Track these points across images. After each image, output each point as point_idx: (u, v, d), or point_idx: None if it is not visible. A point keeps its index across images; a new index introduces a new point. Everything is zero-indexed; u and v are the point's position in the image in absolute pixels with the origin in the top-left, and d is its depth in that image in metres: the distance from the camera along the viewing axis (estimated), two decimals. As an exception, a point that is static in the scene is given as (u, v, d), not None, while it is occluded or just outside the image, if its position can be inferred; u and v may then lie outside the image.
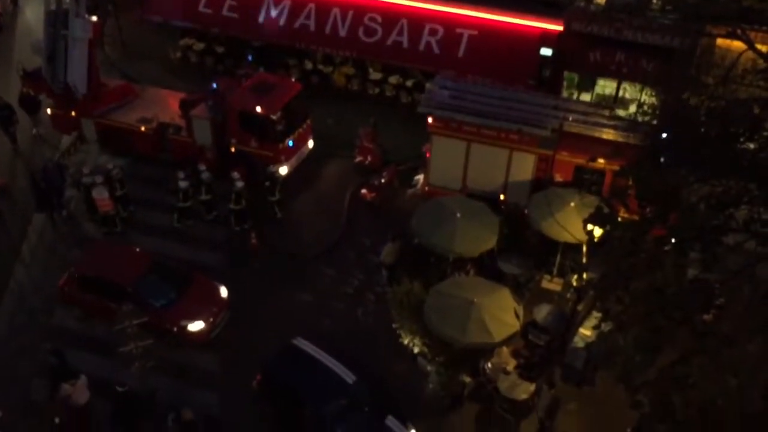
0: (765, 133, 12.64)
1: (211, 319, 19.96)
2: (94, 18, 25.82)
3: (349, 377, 17.50)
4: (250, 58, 29.94)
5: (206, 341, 19.86)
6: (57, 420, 16.90)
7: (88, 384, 17.60)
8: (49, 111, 26.76)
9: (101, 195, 22.88)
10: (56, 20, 24.41)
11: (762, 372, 9.97)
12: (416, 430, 17.45)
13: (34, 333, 20.15)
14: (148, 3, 31.08)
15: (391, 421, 17.09)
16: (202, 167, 23.77)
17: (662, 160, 13.53)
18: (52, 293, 21.28)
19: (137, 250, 21.61)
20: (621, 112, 24.67)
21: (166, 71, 31.23)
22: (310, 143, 26.34)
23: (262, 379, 18.06)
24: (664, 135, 14.14)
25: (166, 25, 31.34)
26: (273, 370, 18.12)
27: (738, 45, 14.86)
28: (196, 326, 19.70)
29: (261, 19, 29.12)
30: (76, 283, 20.42)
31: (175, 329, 19.60)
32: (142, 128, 25.77)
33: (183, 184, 23.30)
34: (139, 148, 26.09)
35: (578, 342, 18.75)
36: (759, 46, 14.16)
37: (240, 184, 23.11)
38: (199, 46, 31.53)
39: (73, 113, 26.23)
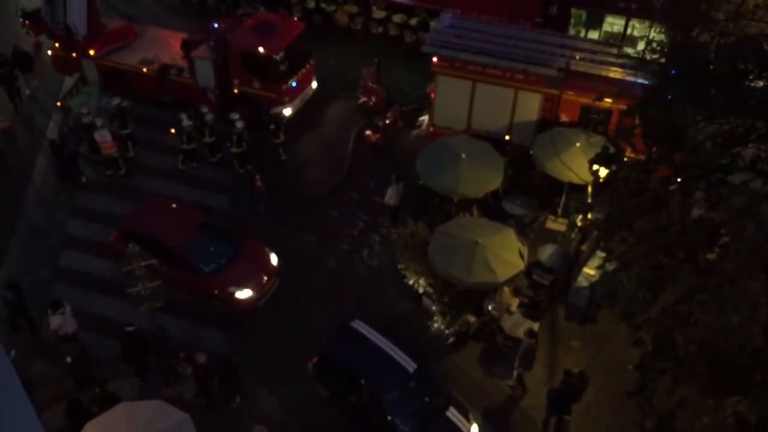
0: (775, 70, 12.45)
1: (261, 285, 19.26)
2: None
3: (410, 365, 16.86)
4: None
5: (254, 309, 19.24)
6: (69, 359, 17.20)
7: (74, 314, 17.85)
8: (50, 52, 26.47)
9: (104, 138, 22.79)
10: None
11: (762, 309, 10.06)
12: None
13: (42, 274, 20.32)
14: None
15: (452, 413, 16.59)
16: (205, 109, 23.64)
17: (669, 98, 13.37)
18: (59, 236, 21.51)
19: (188, 209, 20.86)
20: (629, 50, 24.27)
21: (166, 10, 30.72)
22: (314, 84, 26.06)
23: (318, 361, 17.51)
24: (672, 73, 13.93)
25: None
26: (331, 354, 17.50)
27: (750, -21, 14.51)
28: (244, 294, 18.96)
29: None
30: (123, 240, 19.28)
31: (222, 296, 19.03)
32: (144, 70, 25.51)
33: (186, 125, 23.17)
34: (140, 90, 25.85)
35: (582, 282, 18.89)
36: (771, -19, 13.83)
37: (240, 125, 22.91)
38: (200, -16, 30.93)
39: (73, 55, 25.97)
